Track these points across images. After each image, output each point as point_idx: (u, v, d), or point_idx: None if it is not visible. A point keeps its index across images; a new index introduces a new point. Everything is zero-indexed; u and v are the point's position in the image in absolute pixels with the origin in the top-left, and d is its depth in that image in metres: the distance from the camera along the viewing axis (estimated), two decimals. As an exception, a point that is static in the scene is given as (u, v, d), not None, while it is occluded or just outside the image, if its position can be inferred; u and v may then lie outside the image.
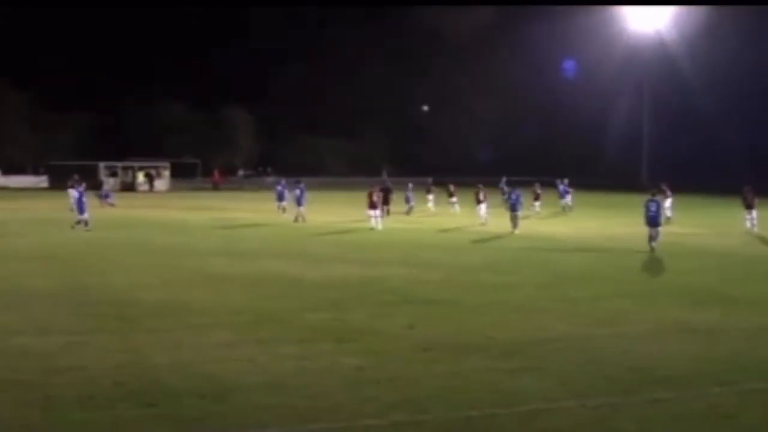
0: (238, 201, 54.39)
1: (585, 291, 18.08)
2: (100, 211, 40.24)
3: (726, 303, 16.59)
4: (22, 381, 10.24)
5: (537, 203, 42.47)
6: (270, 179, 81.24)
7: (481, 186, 38.81)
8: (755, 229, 32.52)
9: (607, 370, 11.26)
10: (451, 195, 44.54)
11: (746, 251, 26.86)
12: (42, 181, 76.34)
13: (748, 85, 74.82)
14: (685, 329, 14.12)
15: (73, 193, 31.64)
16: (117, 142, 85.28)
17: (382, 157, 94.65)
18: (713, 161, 74.80)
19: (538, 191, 43.01)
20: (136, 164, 78.77)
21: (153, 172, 78.29)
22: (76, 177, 38.92)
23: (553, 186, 47.63)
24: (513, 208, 32.89)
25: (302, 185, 37.96)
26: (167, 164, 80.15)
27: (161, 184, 76.97)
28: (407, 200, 43.56)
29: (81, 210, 31.73)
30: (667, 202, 36.34)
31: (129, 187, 75.33)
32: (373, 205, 33.54)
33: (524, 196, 34.85)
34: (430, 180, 50.10)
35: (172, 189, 75.08)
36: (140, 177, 77.31)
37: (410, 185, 44.35)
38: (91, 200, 35.07)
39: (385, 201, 36.11)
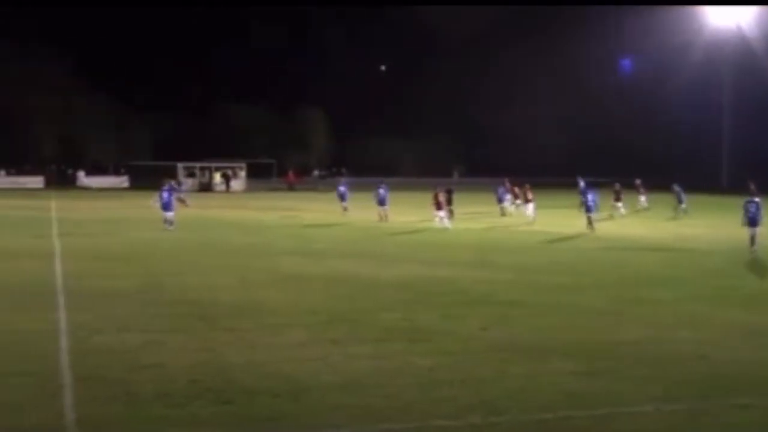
0: (313, 201, 54.83)
1: (662, 293, 17.73)
2: (179, 211, 40.93)
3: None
4: (105, 377, 10.49)
5: (619, 204, 41.50)
6: (344, 180, 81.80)
7: (528, 185, 39.07)
8: None
9: (684, 374, 11.04)
10: (516, 196, 42.82)
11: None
12: (123, 181, 78.15)
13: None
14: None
15: (163, 194, 32.75)
16: (195, 144, 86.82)
17: (453, 158, 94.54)
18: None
19: (619, 191, 42.12)
20: (213, 165, 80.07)
21: (230, 172, 79.45)
22: (167, 180, 39.99)
23: (631, 187, 46.85)
24: (588, 209, 32.56)
25: (385, 185, 38.68)
26: (243, 165, 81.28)
27: (237, 184, 78.02)
28: (500, 200, 43.12)
29: (167, 209, 32.61)
30: None
31: (206, 187, 76.60)
32: (439, 206, 33.73)
33: (604, 197, 34.43)
34: (506, 181, 49.70)
35: (249, 189, 76.03)
36: (217, 177, 78.53)
37: (507, 184, 43.68)
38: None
39: (448, 202, 36.56)
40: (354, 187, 46.33)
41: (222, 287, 17.86)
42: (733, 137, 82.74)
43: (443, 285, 18.54)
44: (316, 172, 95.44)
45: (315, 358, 11.65)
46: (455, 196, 38.02)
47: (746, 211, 25.88)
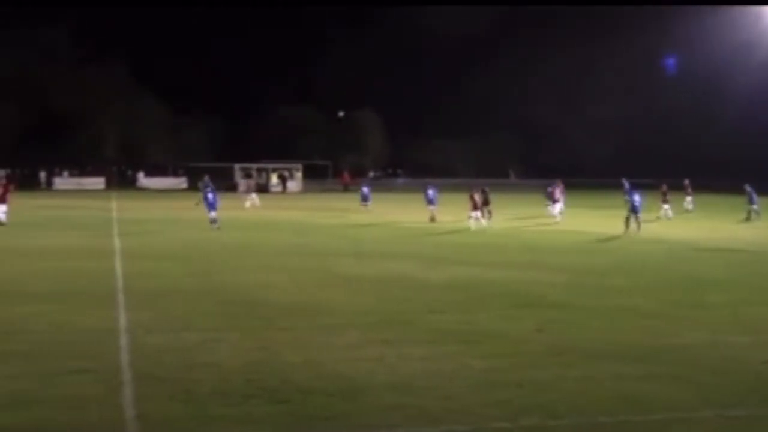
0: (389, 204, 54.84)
1: (721, 296, 17.40)
2: (235, 211, 41.39)
3: None
4: (163, 375, 10.62)
5: (666, 206, 40.88)
6: (400, 181, 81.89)
7: (558, 182, 39.87)
8: None
9: (747, 380, 10.80)
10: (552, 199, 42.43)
11: None
12: (181, 182, 79.19)
13: None
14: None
15: (208, 195, 33.40)
16: (252, 145, 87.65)
17: (510, 159, 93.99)
18: None
19: (666, 192, 41.42)
20: (269, 166, 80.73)
21: (286, 173, 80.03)
22: (206, 178, 40.71)
23: (680, 188, 46.18)
24: (634, 209, 32.35)
25: (434, 186, 39.71)
26: (299, 166, 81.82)
27: (294, 185, 78.55)
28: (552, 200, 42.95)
29: (212, 208, 33.34)
30: None
31: (263, 188, 77.20)
32: (475, 206, 33.91)
33: (651, 198, 34.19)
34: (559, 182, 49.42)
35: (304, 190, 76.52)
36: (274, 178, 79.14)
37: (562, 185, 43.69)
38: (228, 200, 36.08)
39: (485, 202, 37.03)
40: (410, 188, 46.57)
41: (277, 287, 17.98)
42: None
43: (496, 286, 18.43)
44: (371, 174, 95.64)
45: (369, 358, 11.65)
46: (493, 197, 38.61)
47: None
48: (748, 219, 39.54)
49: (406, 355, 11.83)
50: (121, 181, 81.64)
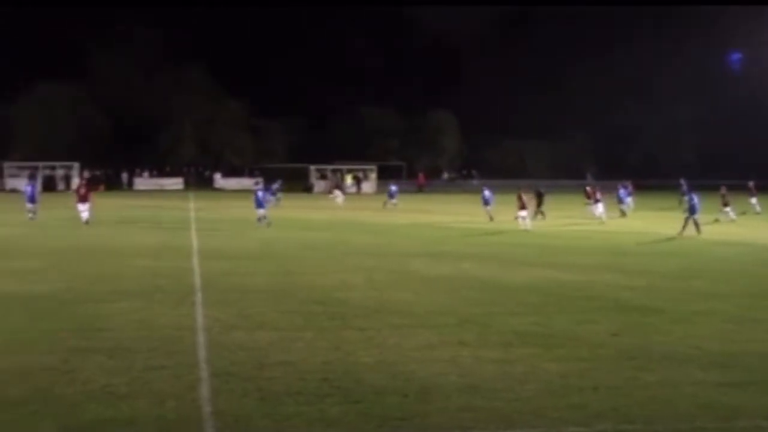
0: (442, 203, 54.92)
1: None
2: (311, 212, 41.80)
3: None
4: (238, 373, 10.80)
5: (727, 208, 39.99)
6: (475, 182, 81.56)
7: (595, 185, 40.46)
8: None
9: (833, 388, 10.50)
10: (588, 196, 42.41)
11: None
12: (257, 183, 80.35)
13: None
14: None
15: (258, 193, 36.44)
16: (327, 146, 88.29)
17: (586, 160, 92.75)
18: None
19: (725, 195, 40.54)
20: (344, 167, 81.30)
21: (360, 174, 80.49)
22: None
23: (744, 189, 45.24)
24: (692, 210, 32.02)
25: (490, 188, 41.31)
26: (374, 167, 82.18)
27: (368, 186, 78.95)
28: (620, 201, 43.64)
29: (259, 206, 35.36)
30: None
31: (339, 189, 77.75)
32: (522, 206, 34.19)
33: (712, 201, 33.89)
34: (629, 183, 49.26)
35: (379, 191, 76.79)
36: (348, 180, 79.67)
37: (630, 187, 43.88)
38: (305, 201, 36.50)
39: (539, 204, 38.67)
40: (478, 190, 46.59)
41: (352, 287, 18.12)
42: None
43: (573, 289, 18.25)
44: (445, 175, 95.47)
45: (443, 359, 11.67)
46: (564, 199, 39.14)
47: None
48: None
49: (480, 357, 11.82)
50: (199, 181, 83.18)
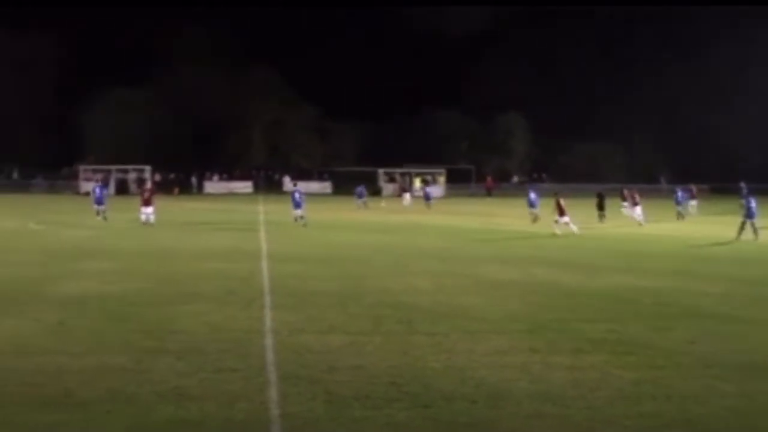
0: (511, 207, 54.47)
1: None
2: (381, 215, 41.95)
3: None
4: (307, 376, 10.88)
5: None
6: (546, 185, 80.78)
7: (632, 188, 41.30)
8: None
9: None
10: (624, 199, 42.81)
11: None
12: (326, 187, 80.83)
13: None
14: None
15: (294, 194, 39.07)
16: (397, 150, 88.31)
17: (660, 163, 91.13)
18: None
19: None
20: (413, 171, 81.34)
21: (429, 178, 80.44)
22: (296, 182, 44.27)
23: None
24: (750, 215, 31.64)
25: (537, 189, 44.03)
26: (443, 170, 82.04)
27: (437, 190, 78.87)
28: (678, 203, 44.17)
29: (297, 207, 37.77)
30: None
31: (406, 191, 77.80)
32: (561, 212, 33.75)
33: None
34: (692, 186, 48.91)
35: (448, 195, 76.68)
36: (417, 183, 79.71)
37: (693, 190, 43.89)
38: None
39: (600, 207, 40.09)
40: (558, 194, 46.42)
41: (421, 291, 18.12)
42: None
43: (647, 295, 17.94)
44: (515, 178, 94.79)
45: (513, 365, 11.59)
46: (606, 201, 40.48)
47: None
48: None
49: (551, 364, 11.71)
50: (268, 185, 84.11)
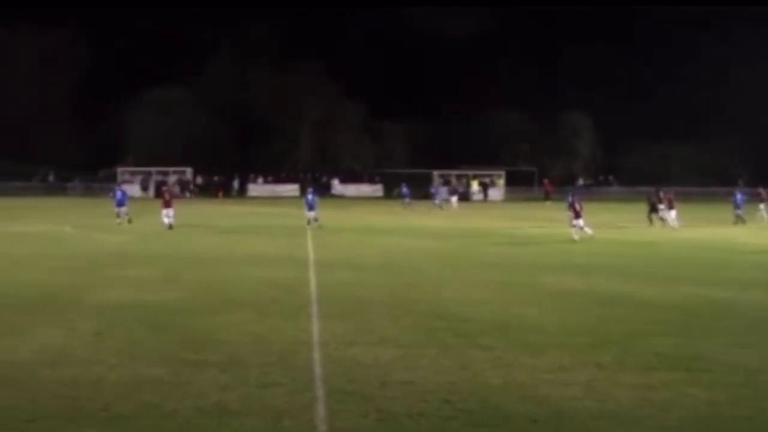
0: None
1: None
2: (432, 220, 41.90)
3: None
4: (356, 391, 10.87)
5: None
6: (613, 188, 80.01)
7: (668, 190, 42.35)
8: None
9: None
10: (660, 201, 43.40)
11: None
12: (377, 190, 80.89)
13: None
14: None
15: (308, 196, 41.41)
16: (453, 150, 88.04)
17: (738, 165, 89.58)
18: None
19: None
20: (470, 173, 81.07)
21: (487, 180, 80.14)
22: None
23: None
24: None
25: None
26: (502, 173, 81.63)
27: (495, 193, 78.54)
28: (737, 206, 45.00)
29: (310, 208, 39.86)
30: None
31: (463, 196, 77.69)
32: (577, 214, 34.13)
33: None
34: (762, 190, 48.43)
35: (507, 198, 76.29)
36: (474, 186, 79.50)
37: (763, 193, 44.11)
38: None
39: (653, 210, 42.00)
40: (624, 197, 46.46)
41: (478, 302, 18.02)
42: None
43: (724, 308, 17.65)
44: (580, 181, 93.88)
45: (577, 382, 11.45)
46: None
47: None
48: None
49: (618, 381, 11.55)
50: (316, 187, 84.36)
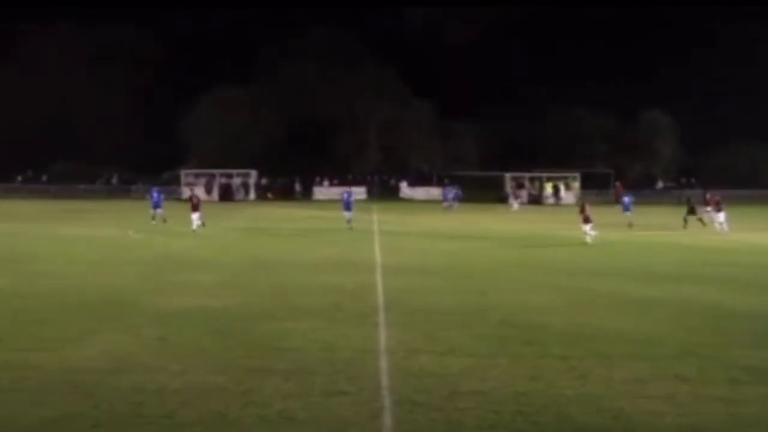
0: (649, 215, 53.16)
1: None
2: (500, 224, 41.68)
3: None
4: (425, 402, 10.86)
5: None
6: (692, 192, 78.65)
7: (715, 192, 42.91)
8: None
9: None
10: (707, 203, 44.65)
11: None
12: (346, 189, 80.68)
13: None
14: None
15: (344, 195, 43.76)
16: (527, 152, 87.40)
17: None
18: None
19: None
20: (544, 175, 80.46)
21: (560, 184, 79.46)
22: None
23: None
24: None
25: (630, 194, 47.56)
26: (577, 175, 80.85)
27: (569, 196, 77.83)
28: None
29: (348, 209, 41.97)
30: None
31: (536, 199, 77.24)
32: (586, 219, 34.21)
33: None
34: None
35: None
36: (548, 189, 78.89)
37: None
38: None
39: (692, 212, 43.13)
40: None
41: (550, 309, 17.88)
42: None
43: (816, 319, 17.24)
44: (660, 183, 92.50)
45: (657, 395, 11.28)
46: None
47: None
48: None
49: (701, 395, 11.35)
50: (383, 190, 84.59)
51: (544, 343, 14.40)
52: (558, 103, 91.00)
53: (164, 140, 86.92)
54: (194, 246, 32.10)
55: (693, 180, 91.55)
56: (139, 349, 13.75)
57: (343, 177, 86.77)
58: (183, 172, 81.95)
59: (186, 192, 77.50)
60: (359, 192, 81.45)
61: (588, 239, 33.81)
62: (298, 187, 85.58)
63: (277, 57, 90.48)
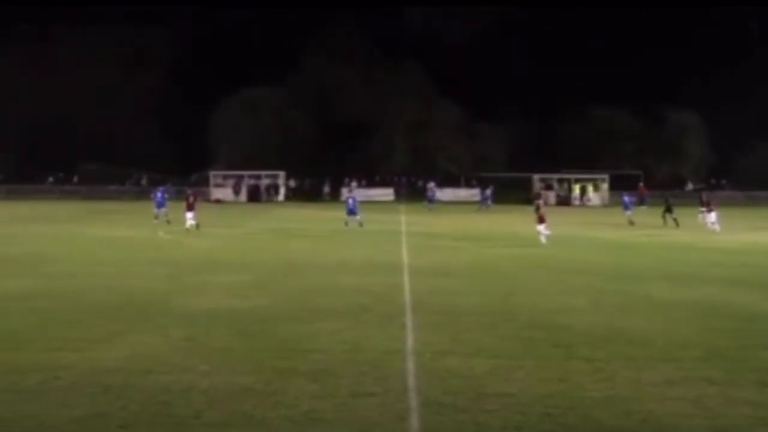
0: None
1: None
2: (527, 226, 41.51)
3: None
4: (451, 404, 10.86)
5: None
6: (723, 193, 78.06)
7: (710, 193, 43.34)
8: None
9: None
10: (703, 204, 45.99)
11: None
12: (474, 194, 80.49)
13: None
14: None
15: (349, 200, 45.09)
16: (556, 153, 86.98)
17: None
18: None
19: None
20: (572, 176, 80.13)
21: (588, 185, 79.10)
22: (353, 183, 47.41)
23: None
24: None
25: (630, 194, 51.07)
26: (605, 176, 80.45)
27: (597, 198, 77.48)
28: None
29: (351, 212, 43.23)
30: None
31: (564, 201, 76.95)
32: (540, 219, 33.99)
33: None
34: None
35: (610, 203, 75.12)
36: (576, 190, 78.59)
37: None
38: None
39: (668, 210, 45.59)
40: (739, 202, 45.80)
41: (577, 311, 17.82)
42: None
43: None
44: (689, 185, 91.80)
45: (685, 398, 11.22)
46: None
47: None
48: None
49: (731, 398, 11.27)
50: (411, 192, 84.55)
51: (570, 345, 14.36)
52: (586, 102, 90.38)
53: (193, 142, 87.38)
54: (222, 247, 32.26)
55: (723, 181, 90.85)
56: (167, 350, 13.84)
57: (371, 178, 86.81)
58: (211, 174, 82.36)
59: (214, 193, 78.13)
60: (386, 194, 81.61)
61: (542, 239, 33.53)
62: (326, 188, 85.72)
63: (306, 58, 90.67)
